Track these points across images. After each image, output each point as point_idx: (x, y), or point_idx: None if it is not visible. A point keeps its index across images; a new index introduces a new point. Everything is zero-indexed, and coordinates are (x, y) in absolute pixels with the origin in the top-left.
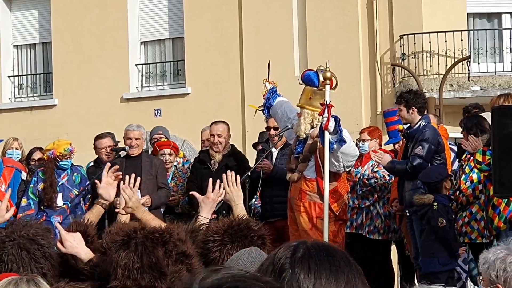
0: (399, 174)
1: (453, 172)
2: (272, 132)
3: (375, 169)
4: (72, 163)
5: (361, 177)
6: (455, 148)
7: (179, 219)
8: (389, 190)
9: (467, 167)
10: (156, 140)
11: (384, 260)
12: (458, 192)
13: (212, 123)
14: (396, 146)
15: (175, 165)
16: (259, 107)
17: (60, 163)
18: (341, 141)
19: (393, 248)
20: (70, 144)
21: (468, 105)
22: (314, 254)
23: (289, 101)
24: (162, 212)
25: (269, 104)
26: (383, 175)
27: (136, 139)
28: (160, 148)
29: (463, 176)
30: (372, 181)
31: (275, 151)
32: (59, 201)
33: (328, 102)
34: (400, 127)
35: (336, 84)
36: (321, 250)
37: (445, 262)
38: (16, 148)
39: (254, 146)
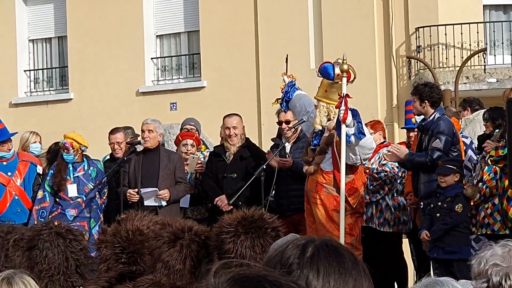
0: (418, 166)
1: (472, 164)
2: (284, 126)
3: (383, 162)
4: (88, 157)
5: (371, 171)
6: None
7: (197, 209)
8: (399, 182)
9: (489, 158)
10: (186, 130)
11: (395, 253)
12: (481, 184)
13: (225, 117)
14: (411, 134)
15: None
16: (276, 100)
17: (63, 155)
18: (360, 133)
19: (405, 241)
20: (74, 140)
21: (472, 100)
22: (323, 255)
23: (308, 94)
24: (188, 205)
25: (287, 97)
26: (391, 167)
27: (148, 131)
28: (183, 138)
29: (486, 167)
30: (382, 174)
31: (288, 145)
32: (73, 192)
33: (344, 94)
34: (413, 120)
35: (354, 77)
36: (330, 251)
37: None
38: (40, 142)
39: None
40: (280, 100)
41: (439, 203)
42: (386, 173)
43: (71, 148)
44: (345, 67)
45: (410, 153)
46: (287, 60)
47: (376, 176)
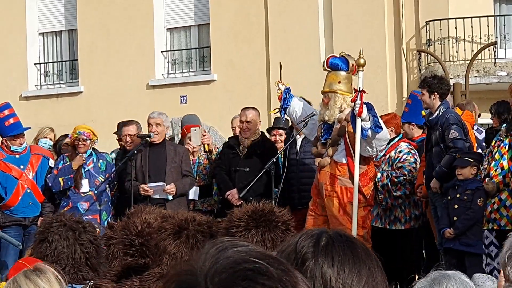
0: (449, 166)
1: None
2: None
3: (399, 165)
4: (97, 150)
5: (390, 175)
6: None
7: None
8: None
9: (497, 153)
10: None
11: (406, 248)
12: (487, 179)
13: (242, 109)
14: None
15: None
16: (275, 109)
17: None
18: (377, 127)
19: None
20: (91, 131)
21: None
22: (338, 245)
23: (304, 100)
24: (197, 198)
25: (286, 105)
26: (409, 169)
27: (156, 124)
28: (189, 131)
29: (493, 162)
30: (401, 178)
31: (299, 138)
32: (85, 188)
33: (361, 89)
34: (423, 113)
35: (352, 66)
36: (344, 241)
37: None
38: (50, 139)
39: (269, 131)
40: (279, 108)
41: (458, 195)
42: (405, 177)
43: (88, 139)
44: (362, 61)
45: (436, 171)
46: (281, 68)
47: (396, 180)
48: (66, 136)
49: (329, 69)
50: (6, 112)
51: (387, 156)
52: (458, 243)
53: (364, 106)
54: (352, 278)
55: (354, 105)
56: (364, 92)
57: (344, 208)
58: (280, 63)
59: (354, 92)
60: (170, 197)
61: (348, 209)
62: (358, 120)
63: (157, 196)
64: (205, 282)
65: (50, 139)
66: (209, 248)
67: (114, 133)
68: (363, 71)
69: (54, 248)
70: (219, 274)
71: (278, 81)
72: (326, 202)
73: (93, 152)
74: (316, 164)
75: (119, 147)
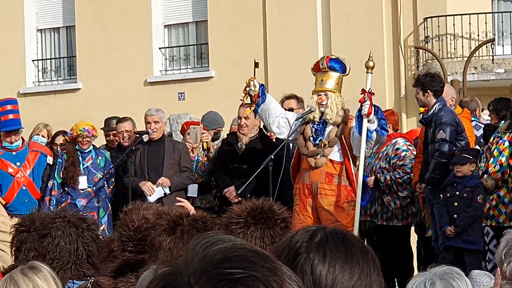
0: (438, 170)
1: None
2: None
3: (399, 163)
4: (95, 146)
5: (393, 176)
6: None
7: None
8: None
9: (495, 150)
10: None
11: (404, 245)
12: (486, 176)
13: (240, 106)
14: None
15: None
16: (251, 108)
17: (77, 146)
18: (383, 129)
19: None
20: (93, 127)
21: None
22: (332, 241)
23: (307, 93)
24: (196, 195)
25: (262, 101)
26: (411, 166)
27: (155, 122)
28: (188, 127)
29: (492, 159)
30: (405, 177)
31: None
32: (84, 184)
33: (370, 90)
34: (422, 109)
35: (349, 70)
36: (339, 238)
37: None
38: (43, 136)
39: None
40: (253, 105)
41: (457, 192)
42: (408, 176)
43: (92, 136)
44: (371, 63)
45: (428, 177)
46: (256, 65)
47: (400, 181)
48: (61, 132)
49: (328, 69)
50: (9, 107)
51: (384, 152)
52: (459, 241)
53: (372, 108)
54: (343, 275)
55: (362, 105)
56: (373, 94)
57: (340, 206)
58: (254, 60)
59: (362, 93)
60: (168, 191)
61: (344, 207)
62: (365, 121)
63: (156, 197)
64: (188, 283)
65: (43, 136)
66: (194, 244)
67: (101, 128)
68: (372, 73)
69: (57, 244)
70: (203, 275)
71: (252, 77)
72: (320, 201)
73: (92, 149)
74: (312, 164)
75: (105, 143)
